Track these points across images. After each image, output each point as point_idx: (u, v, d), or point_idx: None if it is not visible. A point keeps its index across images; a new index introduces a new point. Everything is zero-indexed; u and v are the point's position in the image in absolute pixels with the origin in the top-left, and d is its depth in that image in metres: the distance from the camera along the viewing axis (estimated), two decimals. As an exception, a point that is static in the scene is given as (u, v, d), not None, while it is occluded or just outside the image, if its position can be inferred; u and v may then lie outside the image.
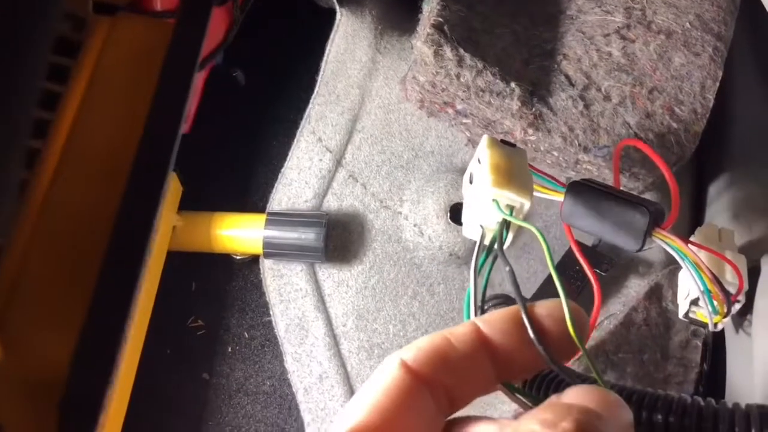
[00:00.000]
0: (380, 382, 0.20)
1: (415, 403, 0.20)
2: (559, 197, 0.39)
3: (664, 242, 0.37)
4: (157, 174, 0.22)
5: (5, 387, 0.21)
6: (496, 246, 0.31)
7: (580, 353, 0.23)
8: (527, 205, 0.35)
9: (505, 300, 0.41)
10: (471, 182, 0.38)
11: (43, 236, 0.23)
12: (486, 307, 0.38)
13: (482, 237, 0.34)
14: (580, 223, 0.38)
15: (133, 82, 0.26)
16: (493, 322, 0.22)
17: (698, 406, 0.26)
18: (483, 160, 0.37)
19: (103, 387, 0.19)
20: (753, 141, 0.52)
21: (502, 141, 0.38)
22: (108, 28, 0.29)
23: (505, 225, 0.33)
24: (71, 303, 0.21)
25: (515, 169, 0.36)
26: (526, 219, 0.35)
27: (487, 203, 0.35)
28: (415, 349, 0.21)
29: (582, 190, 0.38)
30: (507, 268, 0.26)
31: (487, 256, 0.30)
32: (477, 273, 0.28)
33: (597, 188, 0.38)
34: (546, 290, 0.47)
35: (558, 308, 0.22)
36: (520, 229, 0.50)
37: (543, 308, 0.22)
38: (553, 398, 0.20)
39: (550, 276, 0.48)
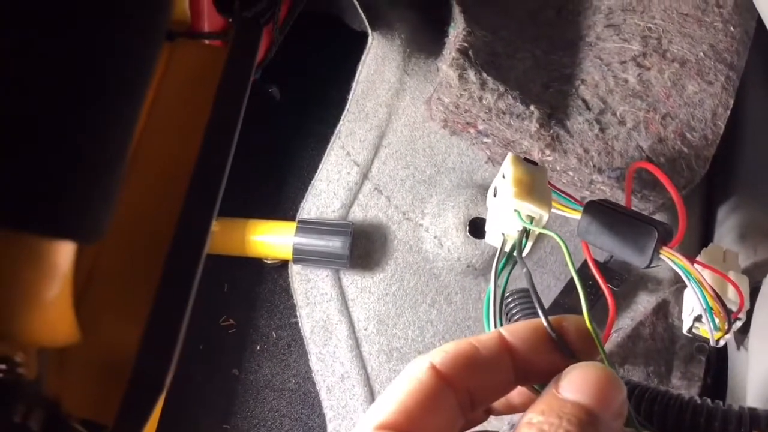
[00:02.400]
0: (407, 383, 0.21)
1: (438, 403, 0.21)
2: (575, 215, 0.40)
3: (671, 260, 0.39)
4: (214, 186, 0.24)
5: (79, 366, 0.24)
6: (515, 252, 0.34)
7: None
8: (545, 216, 0.38)
9: (523, 294, 0.43)
10: (495, 195, 0.41)
11: (113, 233, 0.26)
12: (507, 300, 0.41)
13: (503, 244, 0.37)
14: (594, 240, 0.40)
15: (190, 103, 0.29)
16: (516, 332, 0.23)
17: (694, 404, 0.28)
18: (507, 174, 0.39)
19: (166, 369, 0.21)
20: (761, 167, 0.53)
21: (525, 159, 0.41)
22: (168, 52, 0.32)
23: (525, 233, 0.36)
24: (138, 293, 0.24)
25: (536, 184, 0.39)
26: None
27: (509, 213, 0.38)
28: (443, 353, 0.22)
29: (597, 209, 0.40)
30: (524, 270, 0.29)
31: (506, 261, 0.33)
32: (497, 275, 0.31)
33: (611, 208, 0.40)
34: (562, 301, 0.48)
35: (575, 319, 0.24)
36: (536, 241, 0.52)
37: (562, 318, 0.24)
38: (552, 389, 0.22)
39: (566, 286, 0.49)
